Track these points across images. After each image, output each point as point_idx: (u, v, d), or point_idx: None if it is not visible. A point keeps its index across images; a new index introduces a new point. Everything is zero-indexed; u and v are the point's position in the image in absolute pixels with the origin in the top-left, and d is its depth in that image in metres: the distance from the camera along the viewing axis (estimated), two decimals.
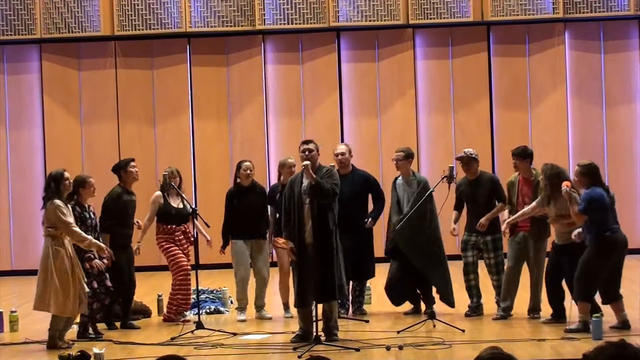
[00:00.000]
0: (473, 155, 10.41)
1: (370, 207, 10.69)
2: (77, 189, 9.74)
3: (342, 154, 10.56)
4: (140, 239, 10.61)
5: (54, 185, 9.34)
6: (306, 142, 9.36)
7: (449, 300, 10.34)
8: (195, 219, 10.44)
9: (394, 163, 10.58)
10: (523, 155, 10.11)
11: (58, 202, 9.24)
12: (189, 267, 10.48)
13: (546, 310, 9.86)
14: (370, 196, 10.69)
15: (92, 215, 9.83)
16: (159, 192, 10.54)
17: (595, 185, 9.06)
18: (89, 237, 9.35)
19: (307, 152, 9.21)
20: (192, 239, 10.36)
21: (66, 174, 9.44)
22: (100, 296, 9.74)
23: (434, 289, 10.34)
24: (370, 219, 10.48)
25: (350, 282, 10.59)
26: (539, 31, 15.94)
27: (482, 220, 10.13)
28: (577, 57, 15.99)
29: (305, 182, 9.11)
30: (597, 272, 8.98)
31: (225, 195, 10.78)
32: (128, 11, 15.82)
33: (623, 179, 15.81)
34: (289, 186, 9.36)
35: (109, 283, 9.85)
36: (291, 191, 9.24)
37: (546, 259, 9.81)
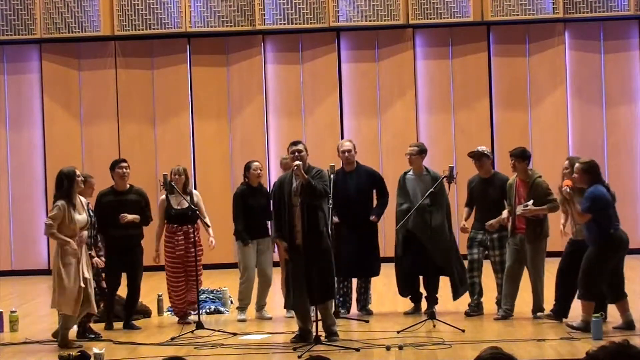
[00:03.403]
0: (485, 152, 10.41)
1: (375, 202, 10.72)
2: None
3: (349, 151, 10.57)
4: (157, 247, 10.44)
5: (67, 183, 9.28)
6: (295, 143, 9.32)
7: (460, 289, 10.37)
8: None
9: (407, 158, 10.58)
10: (522, 156, 10.08)
11: (60, 203, 9.22)
12: (178, 271, 10.37)
13: (548, 307, 9.84)
14: (374, 192, 10.71)
15: (91, 213, 9.84)
16: (163, 196, 10.48)
17: (596, 182, 9.02)
18: (60, 235, 9.26)
19: (296, 153, 9.19)
20: (194, 240, 10.29)
21: (78, 172, 9.43)
22: (96, 297, 9.73)
23: (439, 286, 10.37)
24: (374, 215, 10.49)
25: (355, 280, 10.62)
26: (539, 31, 15.94)
27: (493, 222, 10.12)
28: (577, 57, 16.00)
29: (295, 182, 9.09)
30: (602, 270, 8.95)
31: (234, 196, 10.73)
32: (128, 11, 15.82)
33: (623, 179, 15.80)
34: (278, 186, 9.34)
35: (103, 284, 9.89)
36: (281, 191, 9.22)
37: (552, 259, 9.78)
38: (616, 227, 9.03)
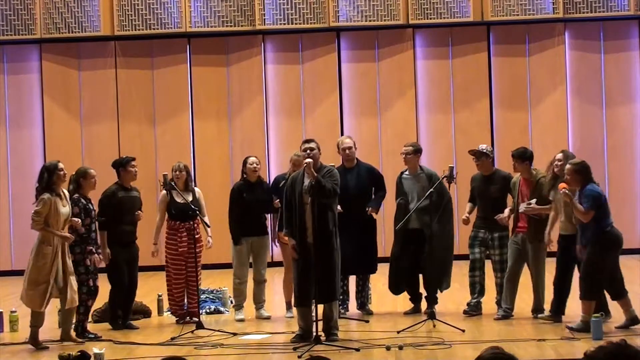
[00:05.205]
0: (485, 151, 10.40)
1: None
2: (78, 180, 9.78)
3: (350, 148, 10.55)
4: (155, 240, 10.53)
5: (47, 176, 9.29)
6: (307, 141, 9.36)
7: (437, 289, 10.34)
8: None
9: (403, 157, 10.57)
10: (522, 157, 10.09)
11: (46, 196, 9.21)
12: (180, 269, 10.38)
13: (548, 307, 9.84)
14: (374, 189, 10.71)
15: (93, 207, 9.85)
16: (164, 192, 10.46)
17: (588, 182, 9.06)
18: (55, 230, 9.25)
19: (308, 151, 9.20)
20: (197, 236, 10.31)
21: (60, 165, 9.42)
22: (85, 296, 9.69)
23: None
24: (371, 207, 10.44)
25: (354, 277, 10.60)
26: (539, 31, 15.94)
27: (503, 215, 10.09)
28: (577, 57, 16.00)
29: (307, 181, 9.10)
30: (603, 269, 8.97)
31: (231, 191, 10.71)
32: (128, 11, 15.82)
33: (623, 179, 15.81)
34: (290, 184, 9.34)
35: (97, 283, 9.79)
36: (292, 189, 9.23)
37: (552, 259, 9.75)
38: (612, 225, 9.09)
